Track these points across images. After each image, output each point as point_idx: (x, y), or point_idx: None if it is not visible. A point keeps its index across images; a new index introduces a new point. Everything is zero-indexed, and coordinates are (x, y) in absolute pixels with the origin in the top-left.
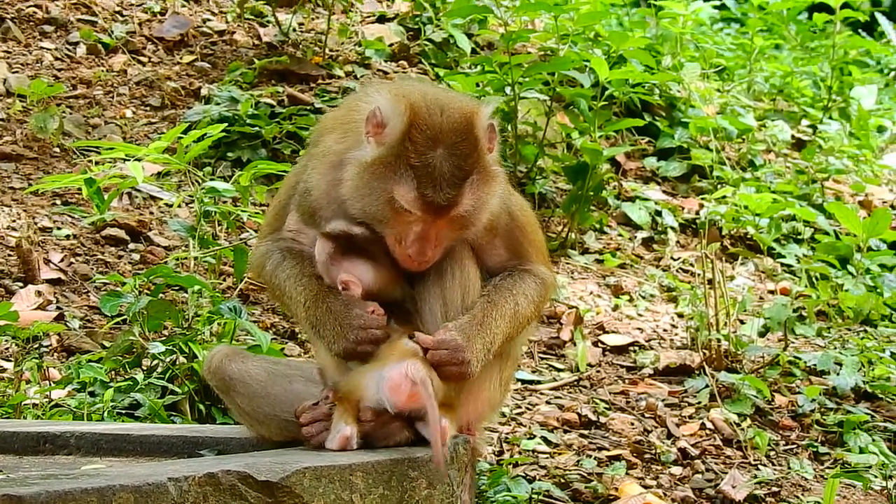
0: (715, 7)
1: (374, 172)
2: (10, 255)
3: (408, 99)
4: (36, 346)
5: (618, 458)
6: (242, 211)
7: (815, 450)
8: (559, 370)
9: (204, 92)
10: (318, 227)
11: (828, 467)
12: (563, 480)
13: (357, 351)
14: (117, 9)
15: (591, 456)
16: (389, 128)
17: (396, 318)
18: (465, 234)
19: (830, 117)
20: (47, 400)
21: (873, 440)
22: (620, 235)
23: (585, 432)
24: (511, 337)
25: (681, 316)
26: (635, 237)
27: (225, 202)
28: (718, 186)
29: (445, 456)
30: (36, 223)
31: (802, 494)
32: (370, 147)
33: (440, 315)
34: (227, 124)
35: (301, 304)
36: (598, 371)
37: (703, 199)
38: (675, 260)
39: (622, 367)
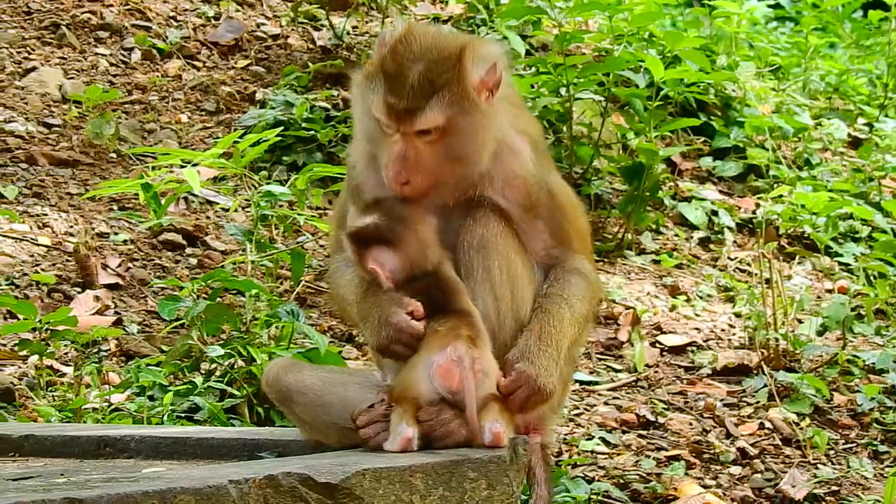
0: (769, 6)
1: (363, 87)
2: (68, 261)
3: (412, 23)
4: (95, 350)
5: (677, 458)
6: (299, 214)
7: (874, 448)
8: (617, 371)
9: (259, 96)
10: (376, 212)
11: (888, 466)
12: (621, 481)
13: (390, 349)
14: (171, 14)
15: (649, 456)
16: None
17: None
18: (459, 172)
19: (887, 115)
20: (107, 404)
21: None
22: (677, 236)
23: (644, 432)
24: (573, 341)
25: (738, 315)
26: (692, 237)
27: (281, 206)
28: (775, 185)
29: (505, 456)
30: (93, 228)
31: (862, 493)
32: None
33: (493, 311)
34: (282, 128)
35: (353, 304)
36: (655, 371)
37: (759, 198)
38: (732, 260)
39: (680, 367)
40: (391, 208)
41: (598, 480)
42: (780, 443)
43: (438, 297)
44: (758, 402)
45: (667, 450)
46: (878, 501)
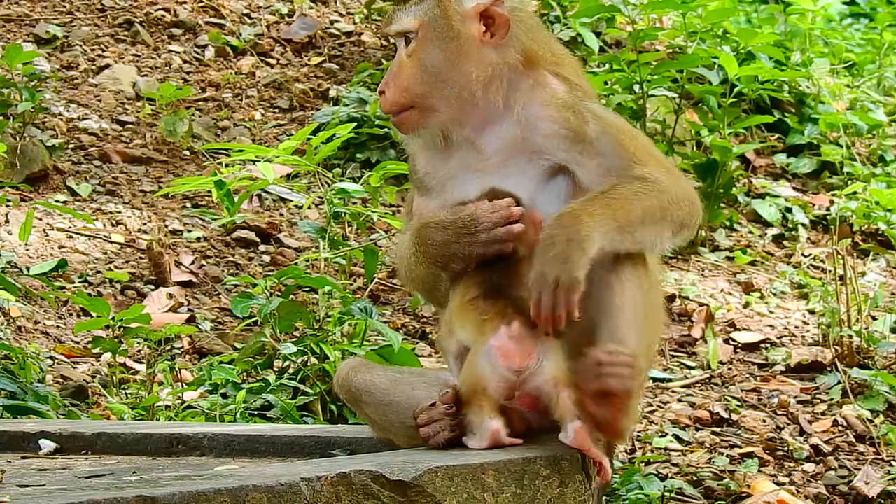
0: (844, 2)
1: None
2: (141, 258)
3: None
4: (168, 348)
5: (750, 455)
6: (372, 212)
7: None
8: (690, 368)
9: (332, 93)
10: (432, 190)
11: None
12: (695, 478)
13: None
14: (245, 11)
15: (723, 453)
16: None
17: (491, 297)
18: (439, 93)
19: None
20: (179, 402)
21: None
22: (751, 232)
23: (717, 430)
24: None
25: (812, 312)
26: (766, 234)
27: (354, 203)
28: (849, 182)
29: (578, 456)
30: (166, 226)
31: None
32: None
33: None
34: (355, 125)
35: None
36: (729, 368)
37: (833, 195)
38: (805, 256)
39: (754, 364)
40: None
41: (672, 478)
42: (853, 440)
43: (498, 279)
44: (831, 399)
45: (740, 447)
46: None
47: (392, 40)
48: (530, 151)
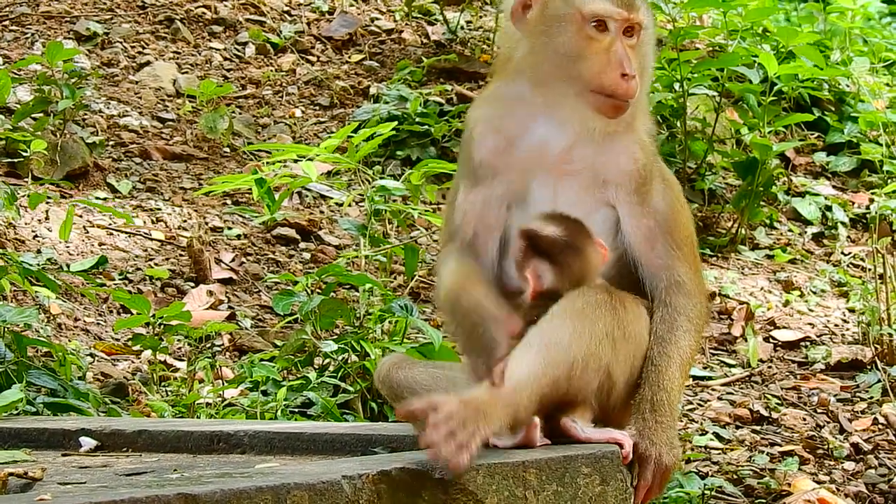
0: (883, 1)
1: (548, 24)
2: (181, 256)
3: None
4: (208, 345)
5: (790, 453)
6: (413, 209)
7: None
8: (731, 366)
9: (373, 91)
10: (483, 178)
11: None
12: (735, 476)
13: (472, 361)
14: (285, 8)
15: (763, 452)
16: None
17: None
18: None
19: None
20: (220, 399)
21: None
22: (790, 231)
23: (757, 428)
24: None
25: (852, 311)
26: (805, 232)
27: (395, 200)
28: (888, 181)
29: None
30: (207, 223)
31: None
32: (527, 25)
33: None
34: (396, 123)
35: (453, 300)
36: (769, 367)
37: (873, 193)
38: (845, 255)
39: (793, 362)
40: (573, 227)
41: (712, 476)
42: (893, 438)
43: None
44: (871, 398)
45: (780, 445)
46: None
47: (591, 23)
48: (601, 178)
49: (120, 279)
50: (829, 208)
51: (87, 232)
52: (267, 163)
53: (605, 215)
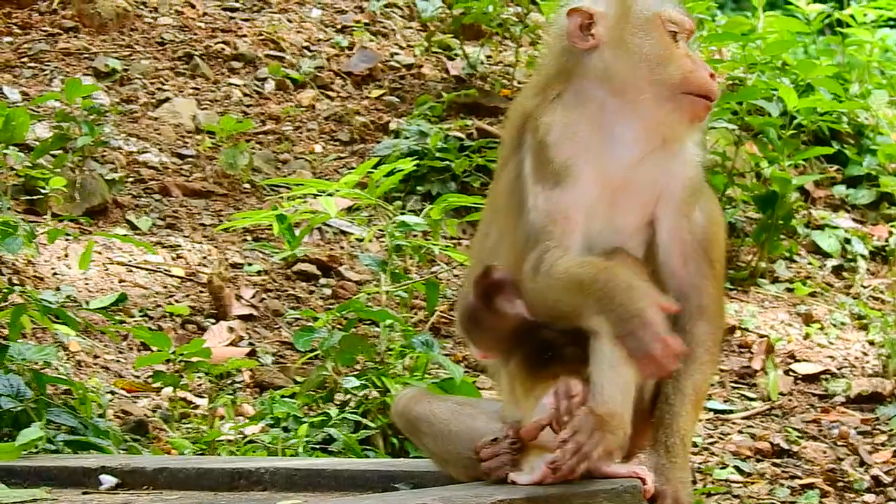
0: None
1: (631, 32)
2: (201, 292)
3: None
4: (229, 382)
5: (811, 486)
6: (433, 244)
7: None
8: (751, 399)
9: (393, 126)
10: (565, 180)
11: None
12: None
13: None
14: (305, 44)
15: (783, 485)
16: (603, 10)
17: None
18: None
19: None
20: (241, 436)
21: None
22: (810, 264)
23: (778, 461)
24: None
25: (872, 343)
26: (825, 265)
27: (415, 236)
28: None
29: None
30: (227, 259)
31: None
32: (594, 40)
33: None
34: (416, 158)
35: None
36: (789, 399)
37: (892, 226)
38: (865, 287)
39: (814, 395)
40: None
41: None
42: None
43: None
44: (892, 430)
45: (801, 478)
46: None
47: (672, 32)
48: (658, 190)
49: (140, 316)
50: (848, 241)
51: (107, 269)
52: (287, 198)
53: (644, 230)
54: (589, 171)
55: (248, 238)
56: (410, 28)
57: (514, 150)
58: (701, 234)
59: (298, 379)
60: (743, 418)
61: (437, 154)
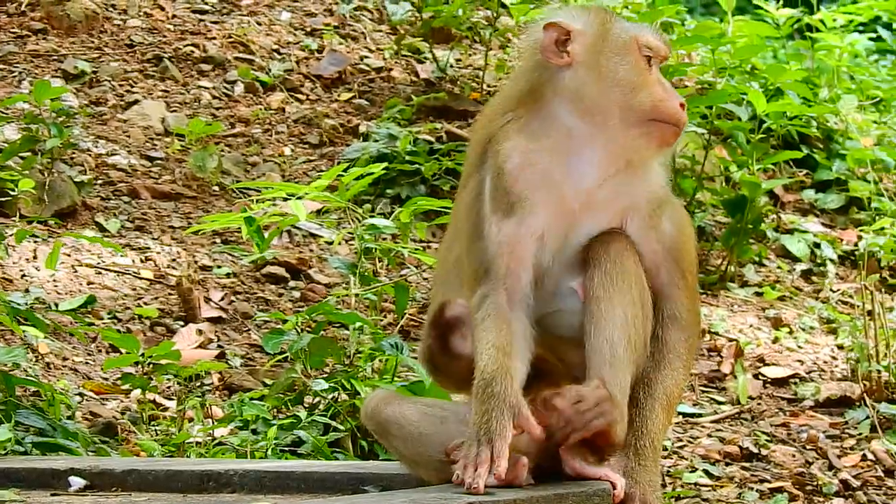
0: (871, 39)
1: (606, 54)
2: (170, 294)
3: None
4: (198, 384)
5: (780, 490)
6: (403, 248)
7: None
8: (720, 403)
9: (362, 129)
10: (518, 211)
11: None
12: None
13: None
14: (274, 47)
15: (752, 488)
16: (581, 28)
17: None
18: None
19: None
20: (210, 438)
21: None
22: (779, 268)
23: (747, 465)
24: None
25: (841, 348)
26: (794, 269)
27: (385, 239)
28: (877, 218)
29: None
30: (196, 262)
31: None
32: (569, 58)
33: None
34: (385, 161)
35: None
36: (758, 403)
37: (861, 230)
38: (834, 292)
39: (783, 399)
40: None
41: None
42: (882, 474)
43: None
44: (860, 434)
45: (770, 482)
46: None
47: (647, 57)
48: (621, 207)
49: (109, 318)
50: (817, 245)
51: (76, 271)
52: (256, 201)
53: None
54: (546, 200)
55: (217, 241)
56: (380, 31)
57: (476, 168)
58: (670, 244)
59: (267, 381)
60: (712, 422)
61: (407, 157)
